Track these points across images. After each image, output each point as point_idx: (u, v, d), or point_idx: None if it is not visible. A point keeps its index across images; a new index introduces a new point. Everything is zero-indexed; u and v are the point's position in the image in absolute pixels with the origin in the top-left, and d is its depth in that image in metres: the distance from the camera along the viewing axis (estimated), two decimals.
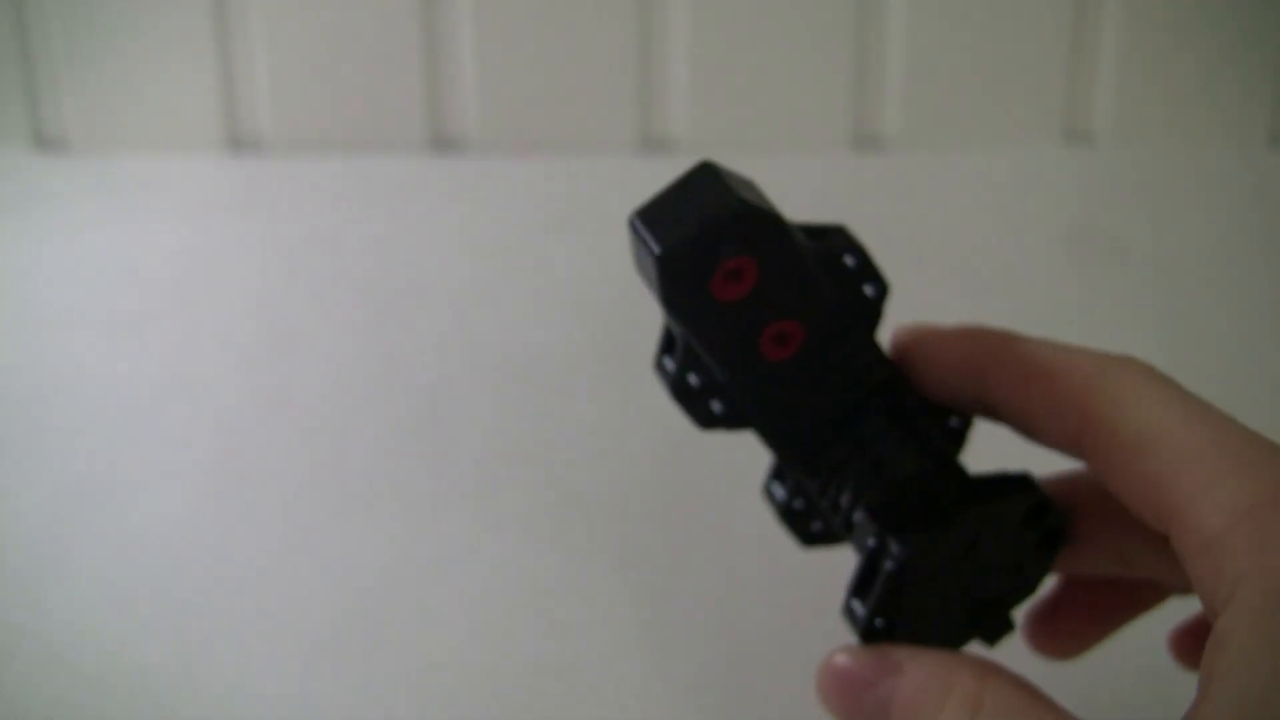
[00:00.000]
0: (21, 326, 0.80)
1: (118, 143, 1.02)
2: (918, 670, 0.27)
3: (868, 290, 0.31)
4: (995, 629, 0.33)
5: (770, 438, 0.32)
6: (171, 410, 0.71)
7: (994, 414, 0.32)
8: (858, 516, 0.31)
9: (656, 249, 0.28)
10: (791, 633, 0.55)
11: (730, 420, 0.32)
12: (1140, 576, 0.35)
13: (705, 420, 0.32)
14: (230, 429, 0.69)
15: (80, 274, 0.86)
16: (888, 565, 0.28)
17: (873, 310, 0.31)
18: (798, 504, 0.34)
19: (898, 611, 0.29)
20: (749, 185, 0.30)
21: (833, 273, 0.31)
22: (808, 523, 0.35)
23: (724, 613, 0.57)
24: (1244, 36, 1.04)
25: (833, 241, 0.31)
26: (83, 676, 0.54)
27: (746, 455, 0.65)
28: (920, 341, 0.32)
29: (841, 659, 0.29)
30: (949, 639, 0.32)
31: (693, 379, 0.31)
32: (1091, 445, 0.28)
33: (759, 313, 0.29)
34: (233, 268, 0.87)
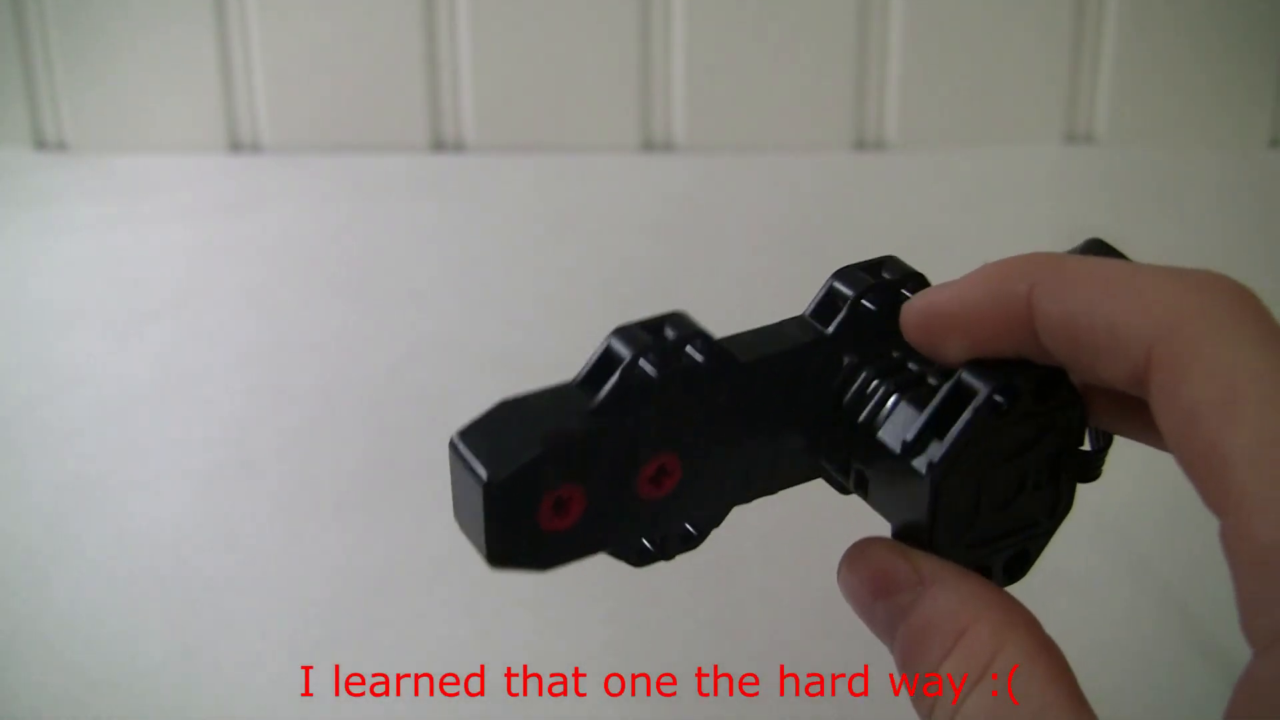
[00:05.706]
0: (22, 326, 0.80)
1: (116, 147, 1.02)
2: (938, 597, 0.25)
3: (705, 352, 0.27)
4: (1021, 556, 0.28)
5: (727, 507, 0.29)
6: (170, 408, 0.71)
7: (1037, 357, 0.26)
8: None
9: (483, 554, 0.27)
10: (785, 634, 0.55)
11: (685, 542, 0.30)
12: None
13: (640, 560, 0.30)
14: (229, 427, 0.69)
15: (80, 274, 0.86)
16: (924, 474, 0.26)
17: (728, 364, 0.27)
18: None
19: (933, 515, 0.26)
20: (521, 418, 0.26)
21: (664, 374, 0.26)
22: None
23: (717, 615, 0.57)
24: (1246, 40, 1.04)
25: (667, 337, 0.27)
26: (83, 674, 0.54)
27: None
28: (938, 315, 0.26)
29: (872, 552, 0.26)
30: (987, 548, 0.28)
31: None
32: (1151, 396, 0.23)
33: (591, 534, 0.28)
34: (231, 266, 0.87)
